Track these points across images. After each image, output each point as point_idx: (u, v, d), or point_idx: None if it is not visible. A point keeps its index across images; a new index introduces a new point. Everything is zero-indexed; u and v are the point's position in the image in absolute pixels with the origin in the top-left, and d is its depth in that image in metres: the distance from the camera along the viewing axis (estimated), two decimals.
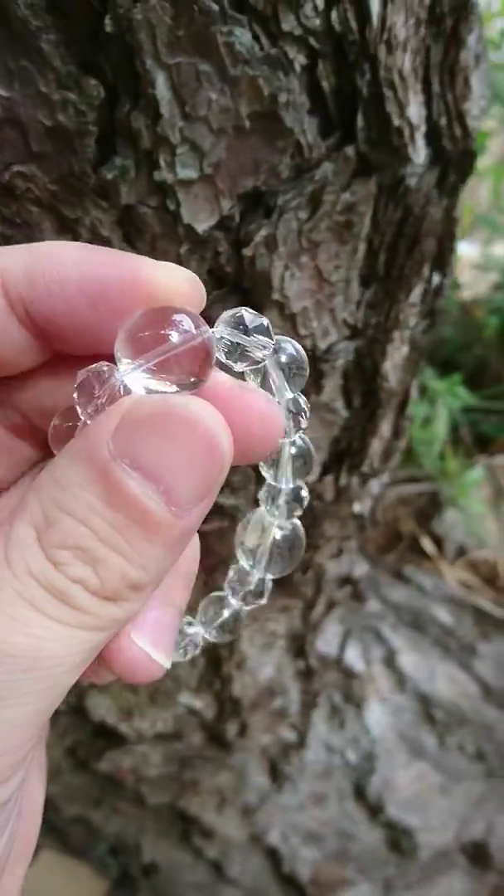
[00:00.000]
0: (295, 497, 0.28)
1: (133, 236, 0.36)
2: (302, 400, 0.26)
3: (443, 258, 0.53)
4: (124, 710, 0.70)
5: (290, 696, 0.83)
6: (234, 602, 0.32)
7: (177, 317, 0.22)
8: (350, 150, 0.38)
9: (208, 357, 0.22)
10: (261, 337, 0.24)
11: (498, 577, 1.27)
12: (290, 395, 0.26)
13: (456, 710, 0.91)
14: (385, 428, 0.60)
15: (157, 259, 0.37)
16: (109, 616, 0.22)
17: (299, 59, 0.34)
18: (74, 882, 0.97)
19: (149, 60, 0.31)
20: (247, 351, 0.24)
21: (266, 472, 0.27)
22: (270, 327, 0.24)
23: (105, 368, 0.22)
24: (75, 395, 0.22)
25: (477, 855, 0.86)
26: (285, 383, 0.25)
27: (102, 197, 0.34)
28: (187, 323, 0.22)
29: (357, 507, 0.70)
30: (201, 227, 0.36)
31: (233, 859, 0.84)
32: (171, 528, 0.21)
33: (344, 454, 0.57)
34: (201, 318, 0.22)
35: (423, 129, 0.41)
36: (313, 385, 0.47)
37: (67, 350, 0.25)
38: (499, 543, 1.32)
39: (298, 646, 0.80)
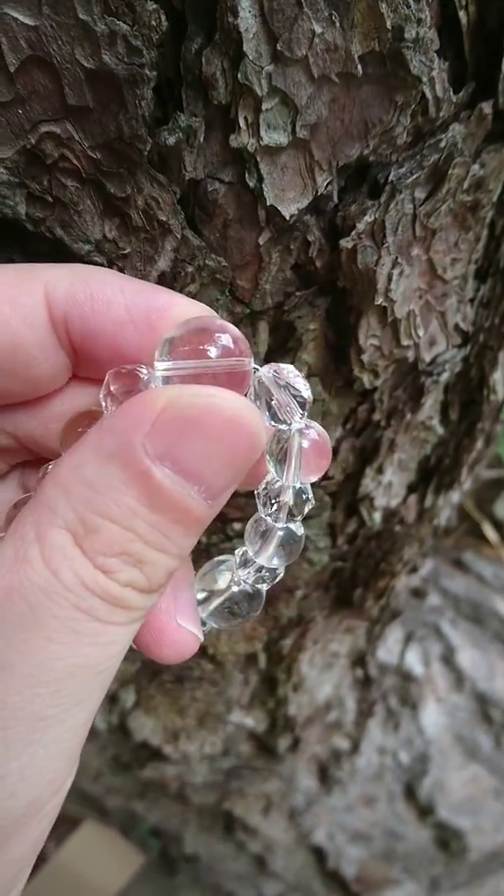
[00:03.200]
0: (299, 498, 0.26)
1: (199, 221, 0.28)
2: (308, 492, 0.26)
3: None
4: (170, 731, 0.64)
5: (346, 706, 0.80)
6: None
7: (222, 335, 0.22)
8: (487, 107, 0.29)
9: (244, 384, 0.22)
10: (293, 403, 0.24)
11: None
12: (296, 485, 0.25)
13: None
14: (480, 440, 0.51)
15: (229, 250, 0.29)
16: (151, 603, 0.22)
17: None
18: (113, 853, 0.98)
19: None
20: (274, 406, 0.24)
21: (272, 466, 0.25)
22: (308, 403, 0.24)
23: (142, 370, 0.23)
24: (103, 394, 0.23)
25: None
26: (297, 472, 0.25)
27: (161, 169, 0.26)
28: (232, 343, 0.22)
29: (437, 520, 0.61)
30: (289, 209, 0.27)
31: (276, 854, 0.84)
32: (207, 516, 0.22)
33: (432, 472, 0.48)
34: (248, 346, 0.23)
35: None
36: (409, 402, 0.38)
37: (91, 374, 0.26)
38: None
39: (359, 656, 0.75)
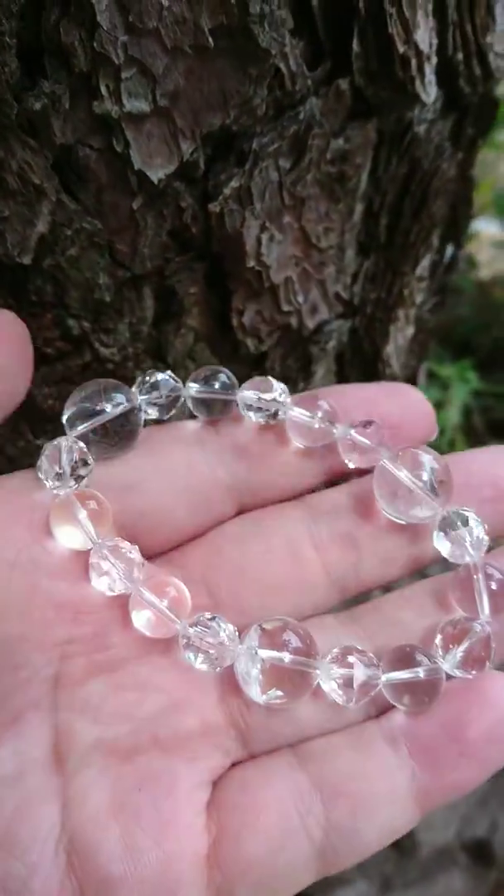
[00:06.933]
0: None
1: (74, 186, 0.30)
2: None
3: (457, 226, 0.46)
4: None
5: None
6: None
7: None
8: (344, 84, 0.31)
9: None
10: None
11: None
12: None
13: None
14: None
15: (105, 214, 0.31)
16: None
17: None
18: None
19: None
20: None
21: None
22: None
23: None
24: None
25: (479, 853, 0.85)
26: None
27: (31, 134, 0.27)
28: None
29: None
30: (157, 174, 0.29)
31: None
32: None
33: None
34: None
35: (433, 60, 0.33)
36: (301, 372, 0.40)
37: None
38: None
39: None
